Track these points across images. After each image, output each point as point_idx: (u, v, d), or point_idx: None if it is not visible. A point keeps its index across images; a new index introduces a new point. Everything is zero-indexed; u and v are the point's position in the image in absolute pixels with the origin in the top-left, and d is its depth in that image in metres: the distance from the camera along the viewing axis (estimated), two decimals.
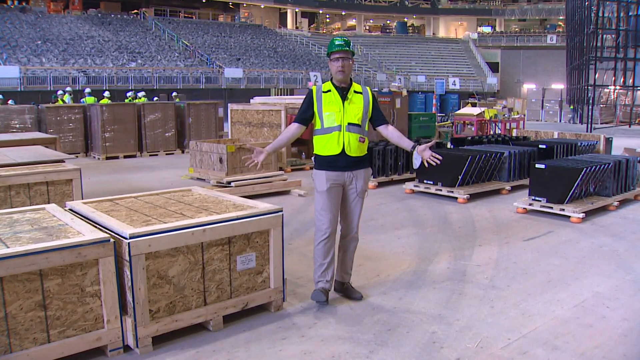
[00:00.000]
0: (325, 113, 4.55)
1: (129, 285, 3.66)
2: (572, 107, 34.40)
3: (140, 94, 21.91)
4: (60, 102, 19.18)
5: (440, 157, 4.55)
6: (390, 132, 4.78)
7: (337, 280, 4.86)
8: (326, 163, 4.58)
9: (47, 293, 3.40)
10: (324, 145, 4.58)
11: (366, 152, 4.70)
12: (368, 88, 4.77)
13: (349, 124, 4.53)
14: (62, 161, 6.63)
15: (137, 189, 9.42)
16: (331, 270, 4.62)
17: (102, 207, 4.52)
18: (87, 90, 21.44)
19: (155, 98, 26.11)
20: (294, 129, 4.69)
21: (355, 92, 4.62)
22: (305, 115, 4.65)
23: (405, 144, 4.76)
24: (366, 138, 4.67)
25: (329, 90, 4.59)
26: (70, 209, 4.49)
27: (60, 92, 21.26)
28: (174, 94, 24.89)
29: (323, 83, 4.72)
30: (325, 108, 4.55)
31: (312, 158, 4.84)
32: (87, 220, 4.10)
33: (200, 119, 16.72)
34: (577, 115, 33.65)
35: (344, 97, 4.55)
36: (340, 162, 4.55)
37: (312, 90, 4.68)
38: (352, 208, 4.70)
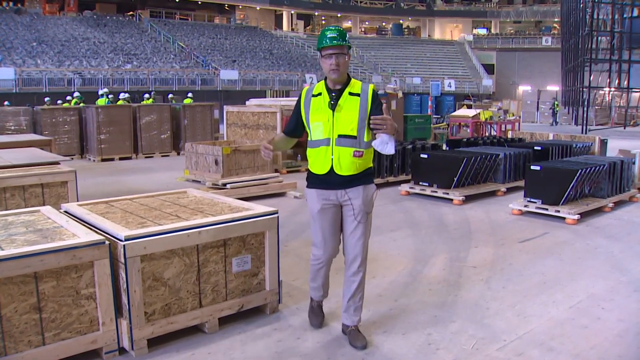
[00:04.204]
0: (313, 123, 3.83)
1: (124, 288, 3.65)
2: (558, 108, 34.78)
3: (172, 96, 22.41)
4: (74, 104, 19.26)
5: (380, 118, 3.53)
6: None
7: (343, 322, 4.11)
8: (317, 180, 3.90)
9: (42, 295, 3.39)
10: (313, 161, 3.89)
11: (367, 167, 3.91)
12: (372, 86, 3.88)
13: (340, 136, 3.76)
14: (57, 163, 6.62)
15: (132, 191, 9.39)
16: (327, 285, 4.17)
17: (97, 209, 4.51)
18: (106, 90, 21.69)
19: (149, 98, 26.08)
20: (282, 137, 4.16)
21: (350, 94, 3.78)
22: (292, 126, 4.05)
23: None
24: (365, 151, 3.81)
25: (320, 94, 3.84)
26: (65, 211, 4.48)
27: (76, 93, 21.41)
28: (170, 95, 24.90)
29: (318, 82, 3.98)
30: (312, 117, 3.83)
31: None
32: (82, 222, 4.09)
33: (196, 121, 16.72)
34: (555, 117, 34.04)
35: (333, 104, 3.78)
36: (330, 181, 3.84)
37: (301, 93, 3.97)
38: (351, 234, 3.92)
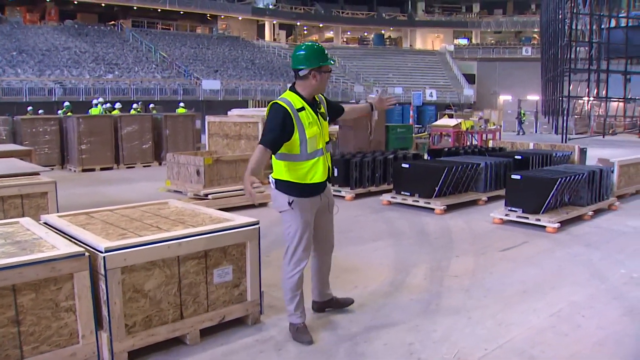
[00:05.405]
0: (310, 137, 3.99)
1: (104, 300, 3.62)
2: (525, 117, 35.30)
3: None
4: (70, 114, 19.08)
5: (394, 98, 4.63)
6: (348, 113, 4.62)
7: (323, 301, 4.64)
8: (309, 190, 4.11)
9: (20, 308, 3.34)
10: (307, 173, 4.06)
11: None
12: None
13: (326, 143, 4.16)
14: (37, 174, 6.55)
15: (113, 201, 9.34)
16: (302, 299, 4.29)
17: (77, 220, 4.47)
18: (101, 100, 21.72)
19: (133, 109, 26.02)
20: (266, 157, 4.00)
21: (319, 103, 4.20)
22: (283, 140, 3.97)
23: (363, 109, 4.73)
24: None
25: (303, 108, 4.01)
26: (44, 223, 4.44)
27: (66, 103, 21.31)
28: (151, 105, 24.83)
29: (283, 95, 4.13)
30: (309, 131, 3.99)
31: (274, 183, 4.17)
32: (62, 233, 4.05)
33: (178, 131, 16.62)
34: (522, 127, 34.47)
35: (320, 115, 4.12)
36: (322, 186, 4.19)
37: (285, 109, 3.96)
38: (329, 224, 4.44)
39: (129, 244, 3.70)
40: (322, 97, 4.30)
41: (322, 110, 4.20)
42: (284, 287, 4.29)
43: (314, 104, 4.11)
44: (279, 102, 4.01)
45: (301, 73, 4.03)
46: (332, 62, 4.13)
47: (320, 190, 4.19)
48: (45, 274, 3.38)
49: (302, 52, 4.05)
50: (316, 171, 4.07)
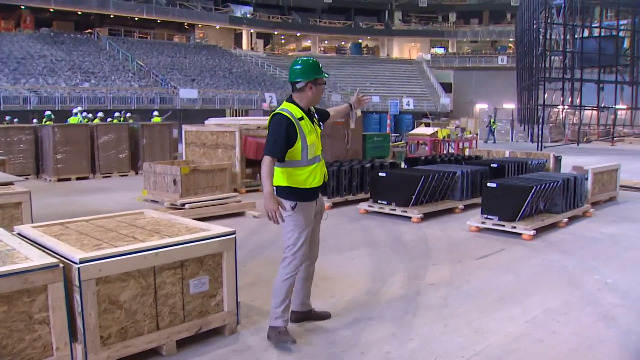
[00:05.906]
0: (310, 144, 4.23)
1: (79, 311, 3.58)
2: (495, 125, 35.43)
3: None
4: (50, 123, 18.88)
5: (368, 97, 4.99)
6: (333, 116, 4.88)
7: (302, 312, 4.68)
8: (309, 194, 4.31)
9: None
10: (307, 178, 4.26)
11: None
12: None
13: (322, 150, 4.41)
14: (11, 183, 6.48)
15: (89, 211, 9.23)
16: (290, 304, 4.39)
17: (51, 231, 4.43)
18: (79, 109, 21.67)
19: (110, 119, 25.84)
20: (273, 166, 4.19)
21: (313, 113, 4.45)
22: (287, 149, 4.17)
23: (344, 109, 5.00)
24: None
25: (303, 118, 4.25)
26: (18, 234, 4.39)
27: (47, 112, 21.13)
28: (128, 114, 24.67)
29: (282, 106, 4.33)
30: (309, 138, 4.23)
31: (274, 190, 4.23)
32: (35, 244, 4.00)
33: (155, 140, 16.52)
34: (493, 134, 34.69)
35: (315, 124, 4.37)
36: (317, 192, 4.41)
37: (288, 118, 4.17)
38: (318, 229, 4.62)
39: (104, 254, 3.67)
40: (312, 108, 4.48)
41: (316, 120, 4.43)
42: (276, 289, 4.30)
43: (310, 114, 4.35)
44: (281, 112, 4.22)
45: (298, 85, 4.29)
46: (327, 76, 4.39)
47: (316, 195, 4.40)
48: (18, 285, 3.33)
49: (298, 67, 4.31)
50: (315, 176, 4.29)
